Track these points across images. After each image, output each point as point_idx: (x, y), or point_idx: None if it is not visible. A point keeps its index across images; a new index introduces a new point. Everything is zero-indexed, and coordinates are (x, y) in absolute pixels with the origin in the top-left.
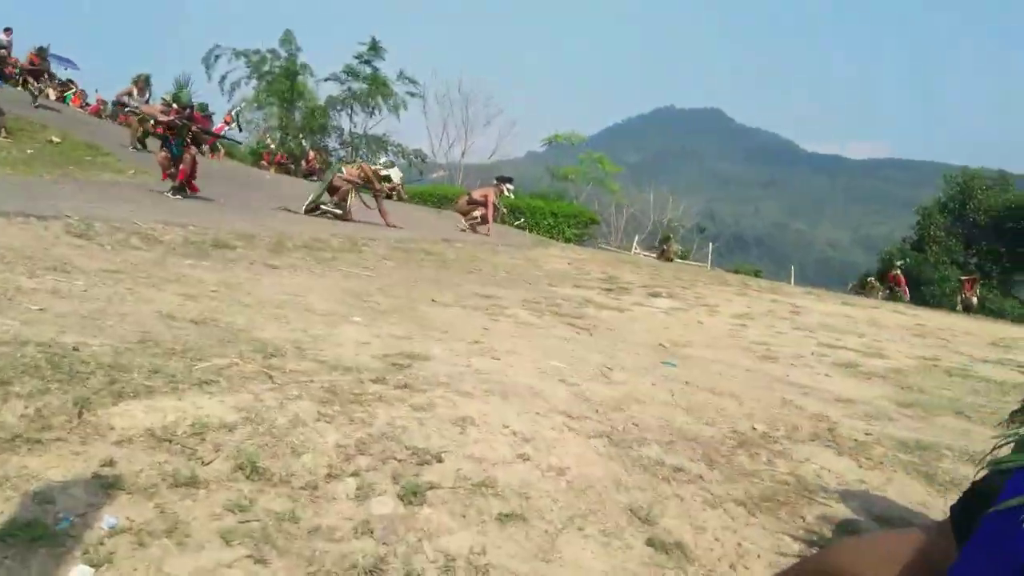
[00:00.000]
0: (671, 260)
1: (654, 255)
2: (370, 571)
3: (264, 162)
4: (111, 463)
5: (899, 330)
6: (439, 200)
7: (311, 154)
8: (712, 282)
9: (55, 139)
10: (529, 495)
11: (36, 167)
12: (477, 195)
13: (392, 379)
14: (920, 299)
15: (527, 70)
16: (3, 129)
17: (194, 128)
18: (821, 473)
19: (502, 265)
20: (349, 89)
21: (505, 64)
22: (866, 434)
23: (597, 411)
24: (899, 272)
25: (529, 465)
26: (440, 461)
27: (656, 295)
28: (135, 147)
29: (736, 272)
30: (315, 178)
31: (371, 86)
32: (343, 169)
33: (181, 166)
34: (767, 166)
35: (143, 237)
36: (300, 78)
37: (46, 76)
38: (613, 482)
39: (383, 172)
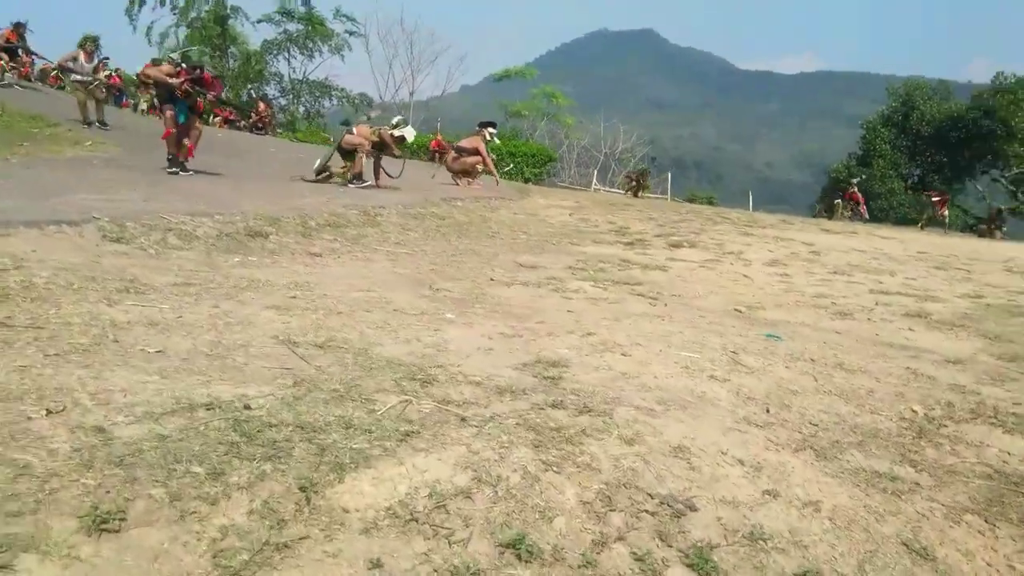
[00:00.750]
0: (638, 196)
1: (624, 191)
2: None
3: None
4: (378, 564)
5: (914, 263)
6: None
7: (261, 106)
8: (711, 224)
9: None
10: (804, 543)
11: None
12: (466, 143)
13: (566, 400)
14: (872, 215)
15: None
16: None
17: (211, 96)
18: (1007, 459)
19: (510, 223)
20: (285, 31)
21: None
22: (1015, 404)
23: (768, 411)
24: (855, 190)
25: (782, 503)
26: (694, 510)
27: (678, 246)
28: (88, 122)
29: (691, 200)
30: (263, 131)
31: (308, 27)
32: (354, 129)
33: (187, 141)
34: (703, 87)
35: (178, 234)
36: (231, 22)
37: (22, 53)
38: (865, 510)
39: (397, 133)
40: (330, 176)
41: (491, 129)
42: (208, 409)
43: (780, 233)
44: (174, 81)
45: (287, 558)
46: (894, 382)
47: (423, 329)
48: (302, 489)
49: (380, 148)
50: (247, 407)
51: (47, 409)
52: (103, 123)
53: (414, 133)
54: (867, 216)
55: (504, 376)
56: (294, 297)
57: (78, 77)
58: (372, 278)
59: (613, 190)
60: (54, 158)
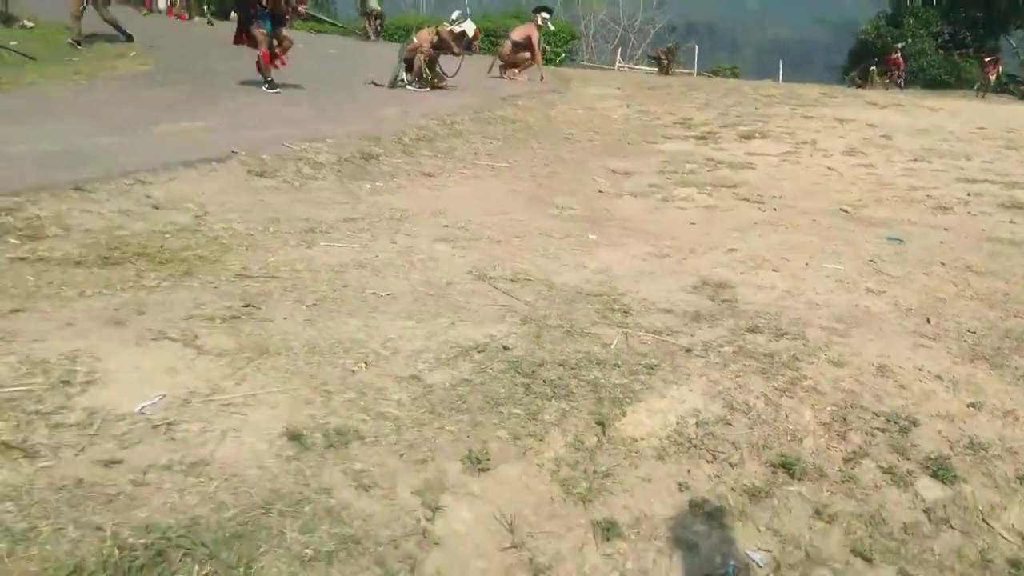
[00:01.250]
0: (668, 73)
1: (653, 68)
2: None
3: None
4: (685, 486)
5: (980, 142)
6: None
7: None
8: (763, 106)
9: (28, 23)
10: (1015, 450)
11: (51, 67)
12: (518, 36)
13: (759, 324)
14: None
15: None
16: None
17: (302, 11)
18: None
19: (576, 121)
20: None
21: None
22: None
23: (929, 322)
24: (899, 55)
25: (986, 414)
26: (916, 425)
27: (749, 137)
28: (76, 42)
29: (715, 73)
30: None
31: None
32: (413, 38)
33: (278, 51)
34: None
35: (307, 163)
36: None
37: None
38: None
39: (456, 29)
40: (403, 84)
41: (544, 14)
42: (479, 352)
43: (837, 112)
44: None
45: (614, 483)
46: (1021, 282)
47: (578, 253)
48: (598, 423)
49: (439, 47)
50: (505, 347)
51: (364, 362)
52: (127, 35)
53: (474, 27)
54: (904, 82)
55: (684, 301)
56: (446, 226)
57: None
58: (493, 198)
59: (638, 67)
60: (114, 76)
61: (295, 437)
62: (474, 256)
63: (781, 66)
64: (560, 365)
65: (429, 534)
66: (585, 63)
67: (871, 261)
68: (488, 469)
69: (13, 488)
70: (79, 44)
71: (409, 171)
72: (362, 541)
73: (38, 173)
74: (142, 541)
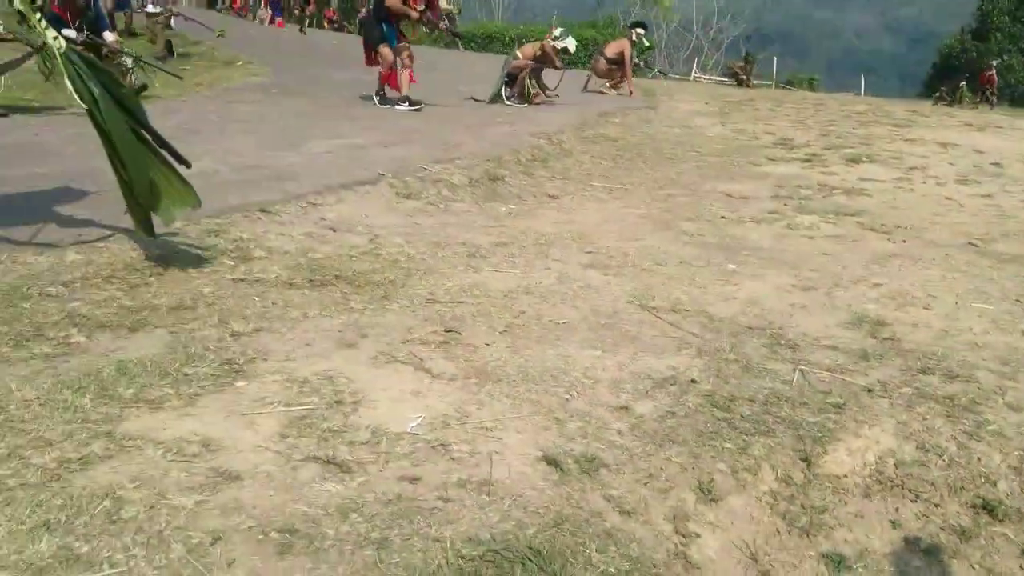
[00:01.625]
0: (749, 86)
1: (731, 80)
2: None
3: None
4: (897, 524)
5: None
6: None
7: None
8: (860, 125)
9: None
10: None
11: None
12: (611, 52)
13: (927, 366)
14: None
15: None
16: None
17: (443, 25)
18: None
19: (675, 140)
20: None
21: None
22: None
23: None
24: (993, 72)
25: None
26: None
27: (856, 161)
28: (163, 55)
29: (790, 83)
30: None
31: None
32: (518, 54)
33: (408, 68)
34: None
35: (445, 184)
36: None
37: None
38: None
39: (559, 45)
40: (503, 99)
41: (639, 30)
42: (671, 384)
43: (936, 135)
44: (414, 11)
45: (831, 518)
46: None
47: (723, 283)
48: (803, 459)
49: (542, 61)
50: (693, 381)
51: (575, 391)
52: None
53: (575, 43)
54: (996, 100)
55: (846, 337)
56: (590, 252)
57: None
58: (623, 223)
59: (713, 78)
60: (232, 86)
61: (552, 462)
62: (627, 284)
63: (863, 81)
64: (750, 401)
65: (690, 559)
66: (658, 73)
67: (1018, 301)
68: (717, 500)
69: (351, 501)
70: (171, 55)
71: (535, 192)
72: (643, 563)
73: (222, 193)
74: (475, 552)
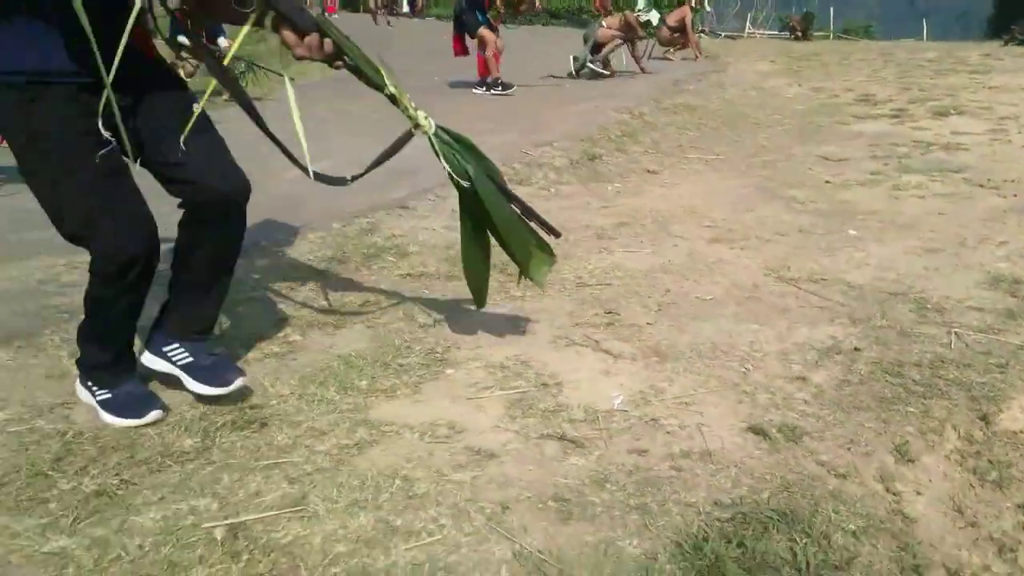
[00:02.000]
0: (808, 39)
1: (790, 35)
2: None
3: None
4: None
5: None
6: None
7: None
8: (939, 75)
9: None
10: None
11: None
12: (673, 20)
13: None
14: None
15: None
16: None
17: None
18: None
19: (756, 105)
20: None
21: None
22: None
23: None
24: None
25: None
26: None
27: (944, 114)
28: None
29: (847, 32)
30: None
31: None
32: (603, 22)
33: (497, 51)
34: None
35: (549, 167)
36: None
37: None
38: None
39: (643, 18)
40: (586, 72)
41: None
42: (837, 353)
43: (1022, 82)
44: None
45: (1019, 472)
46: None
47: (850, 250)
48: (980, 419)
49: (629, 34)
50: (856, 349)
51: (749, 364)
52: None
53: (658, 16)
54: None
55: (988, 297)
56: (709, 226)
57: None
58: (729, 193)
59: (766, 32)
60: (315, 80)
61: (759, 432)
62: (757, 256)
63: (924, 25)
64: (917, 365)
65: (907, 514)
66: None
67: None
68: (913, 460)
69: (598, 472)
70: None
71: (634, 169)
72: (872, 519)
73: (360, 191)
74: (726, 515)
